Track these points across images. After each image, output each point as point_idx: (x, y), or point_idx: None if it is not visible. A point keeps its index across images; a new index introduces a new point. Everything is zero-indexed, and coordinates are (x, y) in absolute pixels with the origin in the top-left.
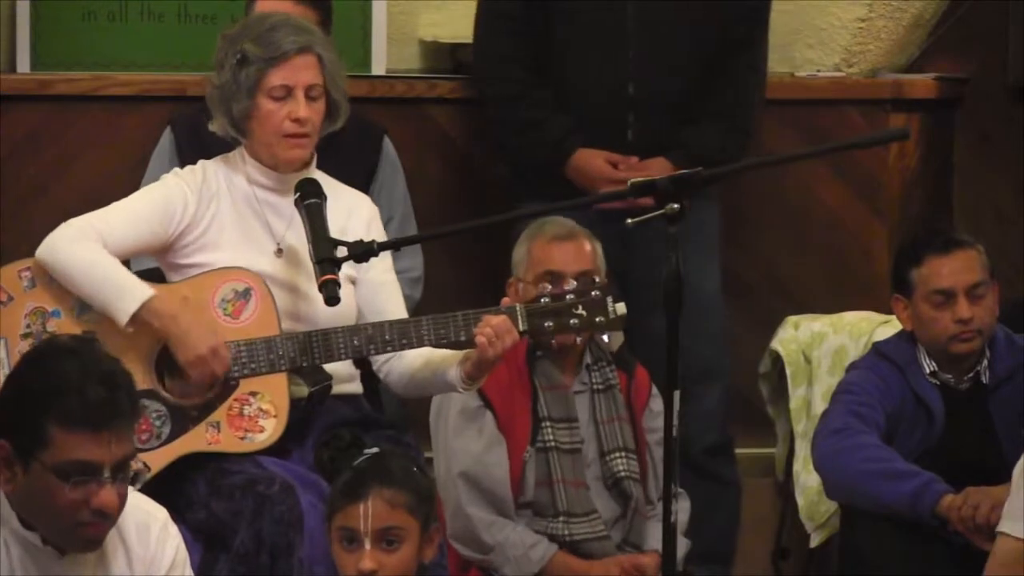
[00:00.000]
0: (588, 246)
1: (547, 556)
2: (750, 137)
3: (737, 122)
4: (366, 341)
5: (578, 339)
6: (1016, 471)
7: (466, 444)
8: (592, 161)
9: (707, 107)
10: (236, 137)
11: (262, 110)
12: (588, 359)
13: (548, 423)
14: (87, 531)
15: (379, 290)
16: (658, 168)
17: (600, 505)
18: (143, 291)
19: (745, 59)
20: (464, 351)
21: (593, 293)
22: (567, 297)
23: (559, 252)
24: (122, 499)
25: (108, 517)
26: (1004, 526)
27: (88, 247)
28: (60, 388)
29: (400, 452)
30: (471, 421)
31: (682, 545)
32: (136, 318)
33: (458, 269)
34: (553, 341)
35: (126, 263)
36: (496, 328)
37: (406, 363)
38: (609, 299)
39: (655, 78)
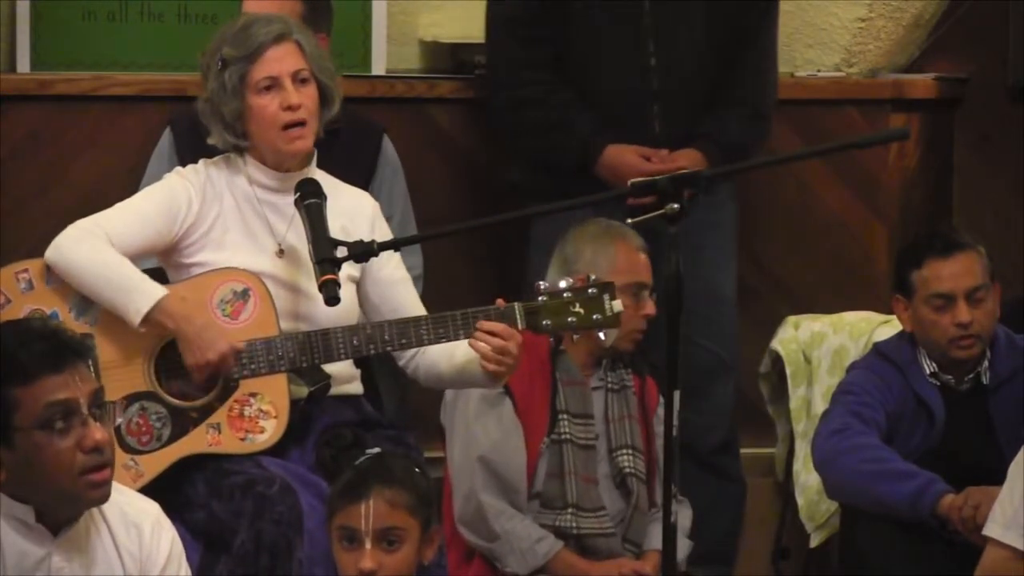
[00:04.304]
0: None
1: (552, 552)
2: (769, 122)
3: (758, 109)
4: (365, 341)
5: (575, 336)
6: (1011, 471)
7: (486, 429)
8: (624, 156)
9: (728, 96)
10: (237, 144)
11: (254, 107)
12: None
13: (565, 416)
14: (91, 477)
15: (394, 287)
16: (689, 159)
17: (608, 502)
18: (156, 290)
19: (759, 48)
20: None
21: (590, 291)
22: (565, 295)
23: (643, 263)
24: (110, 437)
25: (104, 454)
26: (993, 531)
27: (97, 247)
28: (4, 355)
29: (401, 452)
30: (492, 407)
31: (684, 546)
32: (148, 318)
33: (459, 269)
34: (552, 339)
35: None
36: (499, 350)
37: (431, 361)
38: (606, 296)
39: (677, 70)
